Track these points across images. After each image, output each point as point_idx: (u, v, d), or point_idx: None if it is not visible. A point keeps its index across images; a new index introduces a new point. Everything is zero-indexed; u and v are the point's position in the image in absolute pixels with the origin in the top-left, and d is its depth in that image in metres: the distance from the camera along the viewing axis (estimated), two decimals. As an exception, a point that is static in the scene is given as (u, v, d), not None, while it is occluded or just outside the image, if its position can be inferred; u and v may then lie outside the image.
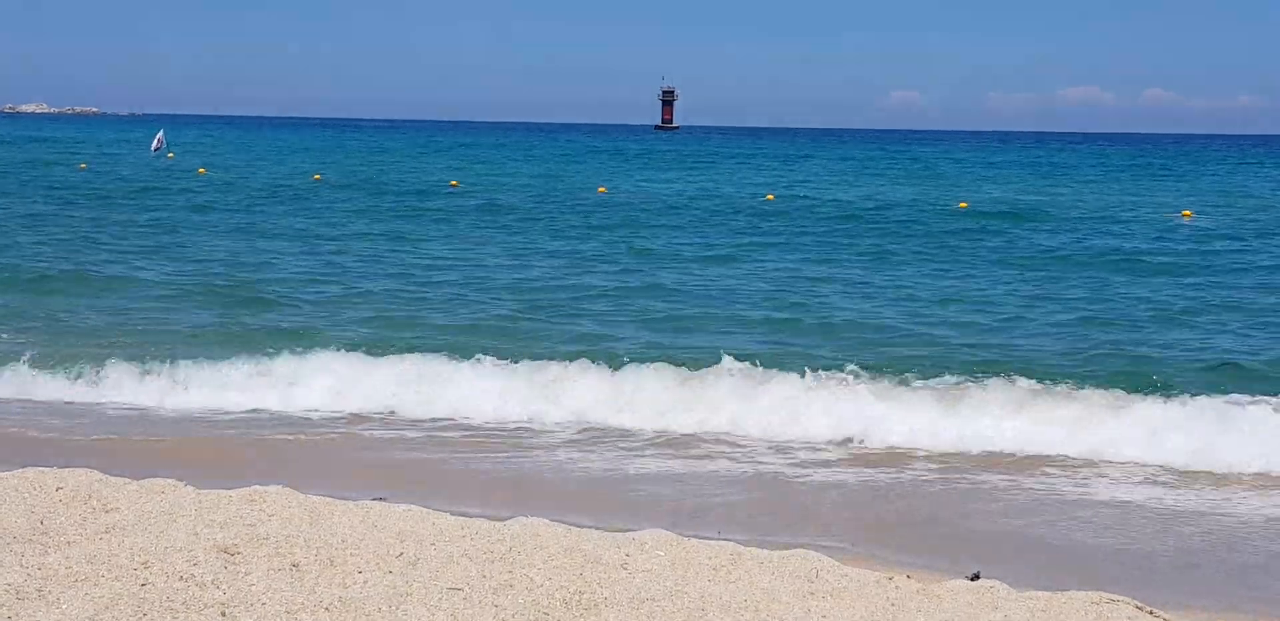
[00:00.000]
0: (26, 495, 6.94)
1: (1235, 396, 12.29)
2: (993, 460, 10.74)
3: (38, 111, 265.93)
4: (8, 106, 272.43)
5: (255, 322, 16.28)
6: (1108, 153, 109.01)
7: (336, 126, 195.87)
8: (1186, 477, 10.28)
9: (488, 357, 13.41)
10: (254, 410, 12.18)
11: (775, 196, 41.98)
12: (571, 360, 13.32)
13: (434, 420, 11.89)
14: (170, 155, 67.87)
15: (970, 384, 12.70)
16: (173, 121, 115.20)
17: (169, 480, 7.46)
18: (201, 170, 52.51)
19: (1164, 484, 10.12)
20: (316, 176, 50.56)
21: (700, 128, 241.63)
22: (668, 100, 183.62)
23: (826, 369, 12.96)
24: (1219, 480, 10.20)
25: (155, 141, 70.20)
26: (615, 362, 13.33)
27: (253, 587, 5.59)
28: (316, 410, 12.14)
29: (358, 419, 11.92)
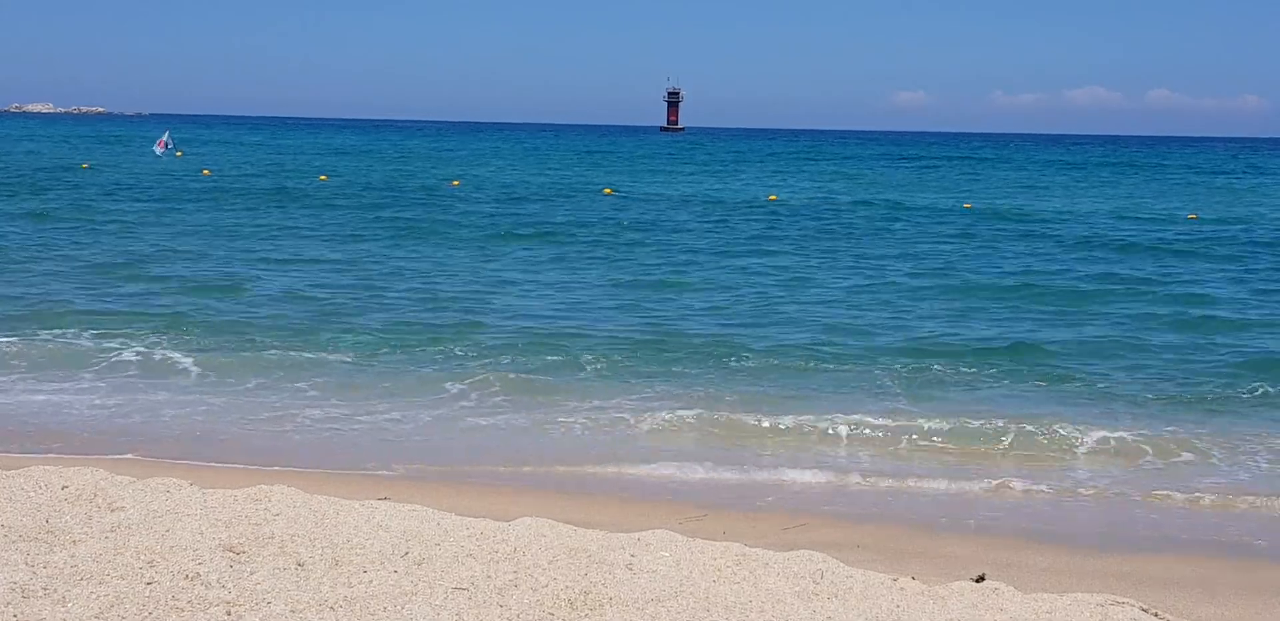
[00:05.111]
0: (33, 493, 6.95)
1: None
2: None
3: (44, 111, 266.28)
4: (14, 106, 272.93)
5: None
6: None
7: (341, 127, 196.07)
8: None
9: None
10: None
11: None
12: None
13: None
14: (179, 153, 67.94)
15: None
16: (177, 121, 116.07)
17: (174, 479, 7.47)
18: (206, 171, 52.69)
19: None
20: (323, 177, 50.78)
21: (704, 129, 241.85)
22: (673, 102, 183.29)
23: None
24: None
25: (159, 144, 69.18)
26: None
27: (258, 586, 5.59)
28: None
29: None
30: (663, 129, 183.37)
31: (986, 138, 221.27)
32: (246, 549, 6.11)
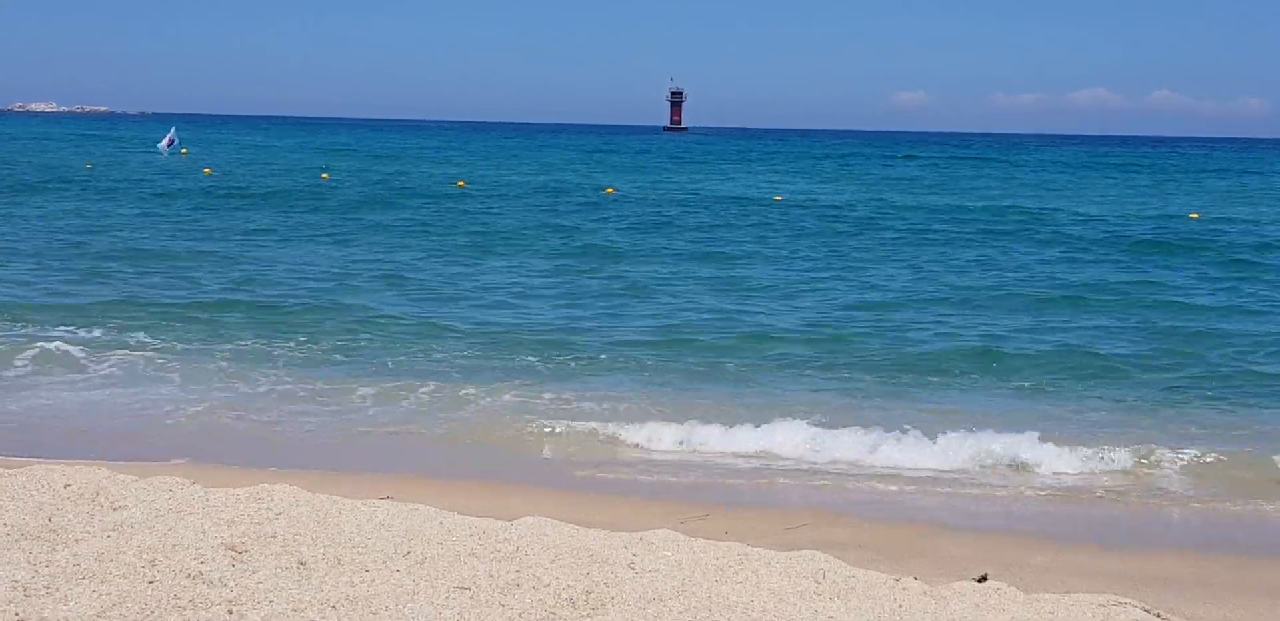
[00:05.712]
0: (35, 492, 6.94)
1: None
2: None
3: (47, 110, 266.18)
4: (17, 105, 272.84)
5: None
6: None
7: (342, 127, 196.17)
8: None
9: None
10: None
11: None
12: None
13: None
14: (184, 151, 68.08)
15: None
16: (179, 120, 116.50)
17: (177, 478, 7.46)
18: (207, 170, 52.74)
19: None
20: (325, 175, 50.88)
21: (707, 129, 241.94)
22: (676, 101, 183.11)
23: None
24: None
25: (165, 141, 69.64)
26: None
27: (260, 585, 5.59)
28: None
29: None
30: (666, 129, 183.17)
31: (987, 138, 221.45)
32: (249, 548, 6.11)
